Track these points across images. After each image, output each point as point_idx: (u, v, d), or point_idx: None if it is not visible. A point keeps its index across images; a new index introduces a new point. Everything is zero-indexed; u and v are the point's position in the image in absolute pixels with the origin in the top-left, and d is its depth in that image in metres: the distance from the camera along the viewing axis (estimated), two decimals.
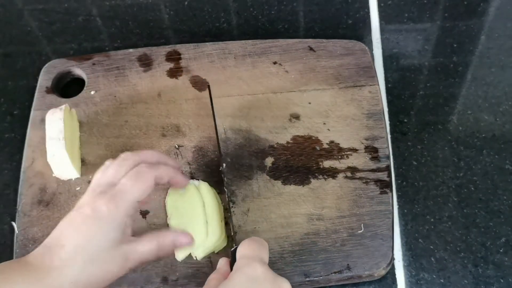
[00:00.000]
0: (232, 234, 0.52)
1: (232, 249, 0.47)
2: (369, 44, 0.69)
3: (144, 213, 0.55)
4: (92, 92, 0.63)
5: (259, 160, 0.58)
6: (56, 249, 0.45)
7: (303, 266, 0.51)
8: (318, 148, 0.58)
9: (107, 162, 0.50)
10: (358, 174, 0.57)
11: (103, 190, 0.47)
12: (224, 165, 0.57)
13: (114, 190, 0.47)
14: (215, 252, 0.53)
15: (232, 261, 0.47)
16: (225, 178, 0.55)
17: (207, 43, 0.67)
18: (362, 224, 0.53)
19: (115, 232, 0.46)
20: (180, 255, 0.52)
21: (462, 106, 0.64)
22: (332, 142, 0.59)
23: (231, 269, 0.46)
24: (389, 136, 0.62)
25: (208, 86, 0.61)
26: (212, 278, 0.46)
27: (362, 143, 0.59)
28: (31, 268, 0.43)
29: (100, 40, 0.72)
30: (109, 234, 0.45)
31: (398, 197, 0.58)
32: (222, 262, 0.49)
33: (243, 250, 0.46)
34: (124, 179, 0.47)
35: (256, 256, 0.45)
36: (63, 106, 0.57)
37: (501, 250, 0.55)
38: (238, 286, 0.43)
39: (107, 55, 0.66)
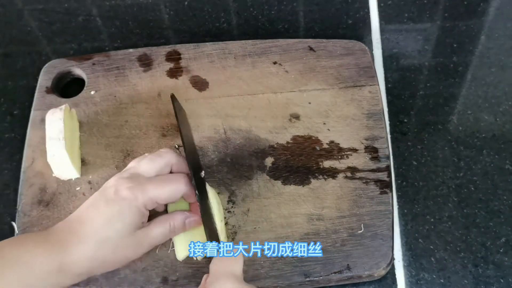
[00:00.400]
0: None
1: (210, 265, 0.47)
2: (369, 44, 0.69)
3: None
4: (92, 92, 0.63)
5: (259, 160, 0.58)
6: (76, 226, 0.46)
7: (303, 266, 0.51)
8: (318, 148, 0.58)
9: (146, 154, 0.51)
10: (358, 174, 0.57)
11: (130, 177, 0.48)
12: (203, 173, 0.53)
13: (141, 181, 0.48)
14: None
15: None
16: (196, 191, 0.50)
17: (207, 43, 0.67)
18: (362, 224, 0.53)
19: (132, 218, 0.47)
20: (180, 255, 0.52)
21: (462, 106, 0.64)
22: (332, 142, 0.59)
23: None
24: (389, 136, 0.62)
25: (172, 97, 0.55)
26: None
27: (362, 143, 0.59)
28: (52, 241, 0.45)
29: (100, 40, 0.72)
30: (127, 219, 0.47)
31: (398, 197, 0.58)
32: (204, 279, 0.48)
33: (213, 266, 0.46)
34: (156, 178, 0.49)
35: (225, 272, 0.45)
36: (63, 106, 0.57)
37: (501, 250, 0.55)
38: None
39: (107, 55, 0.66)
